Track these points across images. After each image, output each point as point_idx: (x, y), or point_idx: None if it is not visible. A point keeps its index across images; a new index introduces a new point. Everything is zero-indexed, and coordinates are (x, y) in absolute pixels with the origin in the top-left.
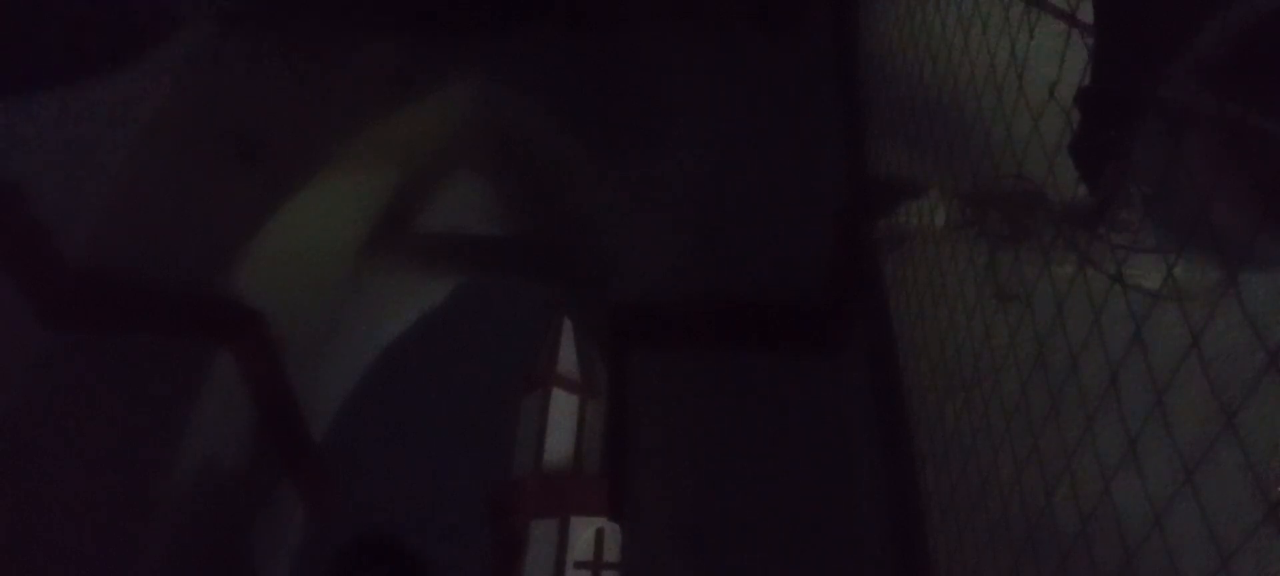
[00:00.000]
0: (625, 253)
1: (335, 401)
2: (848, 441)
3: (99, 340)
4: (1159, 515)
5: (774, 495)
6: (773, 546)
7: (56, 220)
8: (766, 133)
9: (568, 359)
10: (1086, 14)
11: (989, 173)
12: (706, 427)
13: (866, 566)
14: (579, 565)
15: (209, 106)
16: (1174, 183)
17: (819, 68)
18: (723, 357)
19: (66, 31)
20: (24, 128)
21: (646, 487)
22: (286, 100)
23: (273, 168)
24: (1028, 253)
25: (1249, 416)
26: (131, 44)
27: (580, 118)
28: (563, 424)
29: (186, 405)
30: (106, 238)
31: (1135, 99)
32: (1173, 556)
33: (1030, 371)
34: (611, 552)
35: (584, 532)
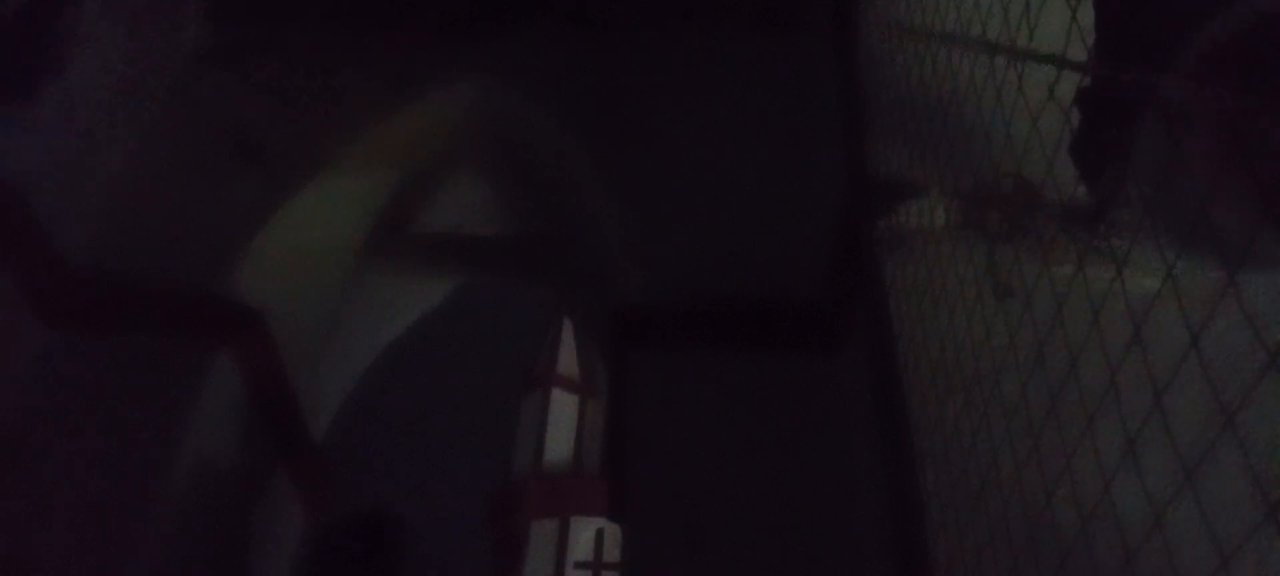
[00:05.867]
0: (625, 253)
1: (335, 401)
2: (848, 441)
3: (99, 340)
4: (1159, 515)
5: (774, 495)
6: (772, 546)
7: (56, 220)
8: (766, 133)
9: (568, 359)
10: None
11: (989, 173)
12: (706, 427)
13: (866, 566)
14: (579, 565)
15: (209, 106)
16: (1174, 183)
17: (819, 68)
18: (723, 357)
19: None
20: (24, 128)
21: (646, 487)
22: (286, 100)
23: (273, 168)
24: (1027, 251)
25: (1249, 416)
26: None
27: (580, 118)
28: (563, 424)
29: (186, 405)
30: (106, 238)
31: (1135, 99)
32: (1173, 556)
33: (1031, 371)
34: (611, 552)
35: (584, 532)
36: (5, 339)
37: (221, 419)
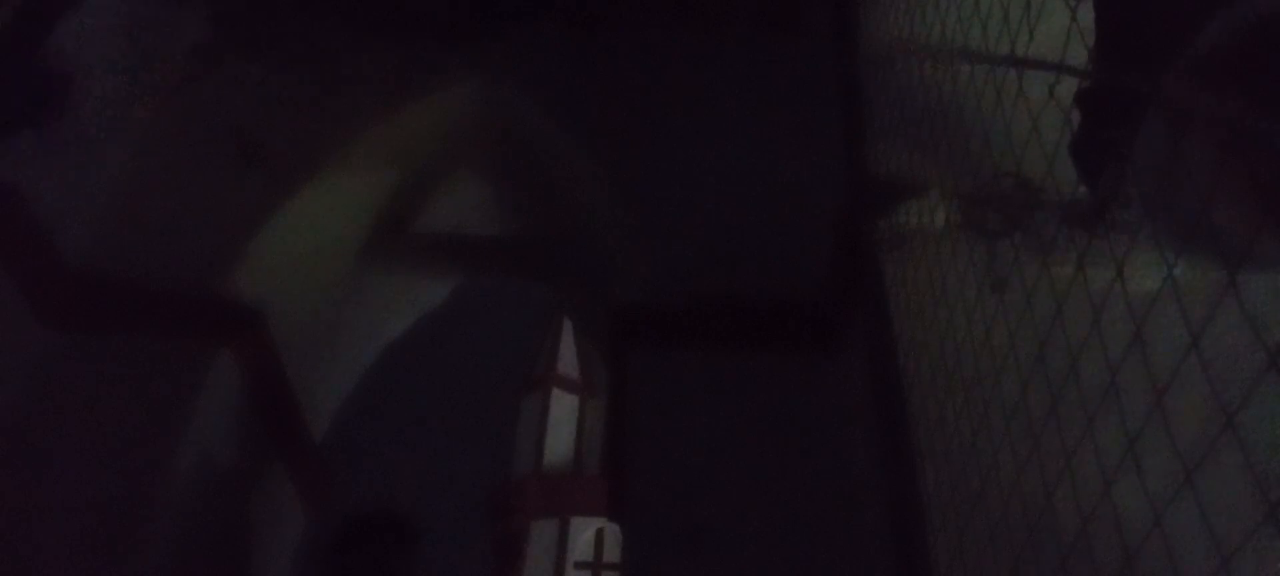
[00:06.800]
0: (625, 253)
1: (335, 401)
2: (848, 441)
3: (99, 340)
4: (1159, 515)
5: (774, 495)
6: (773, 546)
7: (56, 220)
8: (767, 133)
9: (568, 359)
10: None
11: (989, 172)
12: (706, 427)
13: (866, 566)
14: (579, 565)
15: (209, 106)
16: (1174, 183)
17: (819, 68)
18: (723, 357)
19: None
20: (24, 128)
21: (646, 487)
22: (286, 100)
23: (273, 168)
24: (1027, 251)
25: (1249, 416)
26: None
27: (580, 118)
28: (563, 424)
29: (186, 405)
30: (106, 238)
31: (1135, 99)
32: (1173, 556)
33: (1030, 371)
34: (611, 552)
35: (584, 532)
36: (5, 339)
37: (221, 419)
